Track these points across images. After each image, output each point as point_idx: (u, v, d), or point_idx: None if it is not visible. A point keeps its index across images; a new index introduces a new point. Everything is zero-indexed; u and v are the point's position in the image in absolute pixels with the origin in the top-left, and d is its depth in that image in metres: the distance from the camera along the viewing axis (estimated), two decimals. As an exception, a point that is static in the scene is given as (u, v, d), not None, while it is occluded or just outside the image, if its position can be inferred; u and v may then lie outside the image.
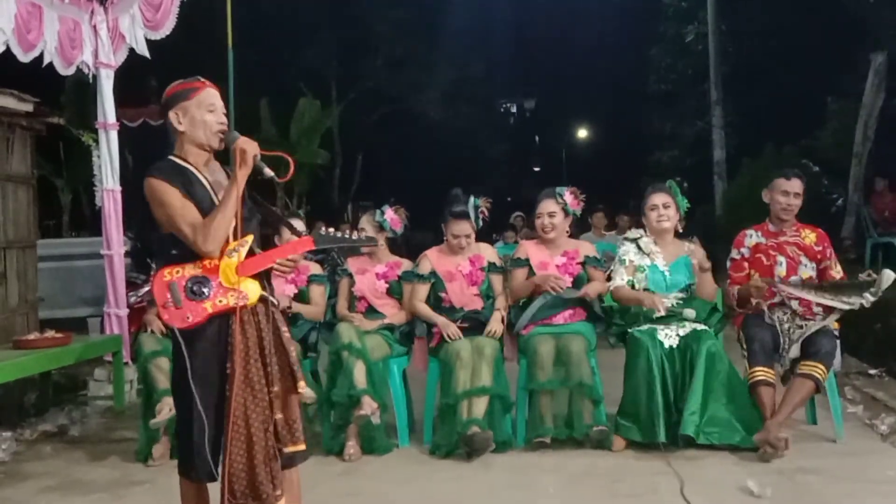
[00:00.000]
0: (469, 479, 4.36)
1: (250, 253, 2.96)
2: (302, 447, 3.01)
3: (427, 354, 5.20)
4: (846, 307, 4.65)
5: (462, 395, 4.71)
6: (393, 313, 5.22)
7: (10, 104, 6.15)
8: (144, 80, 11.82)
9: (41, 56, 5.71)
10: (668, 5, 18.50)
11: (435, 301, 5.19)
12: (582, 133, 33.68)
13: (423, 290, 5.19)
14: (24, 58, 5.51)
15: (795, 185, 4.94)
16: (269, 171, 2.96)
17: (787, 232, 4.96)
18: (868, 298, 4.58)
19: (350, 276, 5.29)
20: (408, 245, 5.60)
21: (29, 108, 6.35)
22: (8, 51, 5.31)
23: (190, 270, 2.90)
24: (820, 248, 4.93)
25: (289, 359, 2.98)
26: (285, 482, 3.02)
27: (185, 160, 3.01)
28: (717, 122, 15.92)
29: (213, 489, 3.00)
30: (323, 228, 3.04)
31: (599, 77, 26.20)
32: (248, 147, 2.91)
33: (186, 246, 2.90)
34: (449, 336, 4.94)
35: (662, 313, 4.78)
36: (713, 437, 4.52)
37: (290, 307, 5.06)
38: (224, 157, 3.07)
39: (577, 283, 5.10)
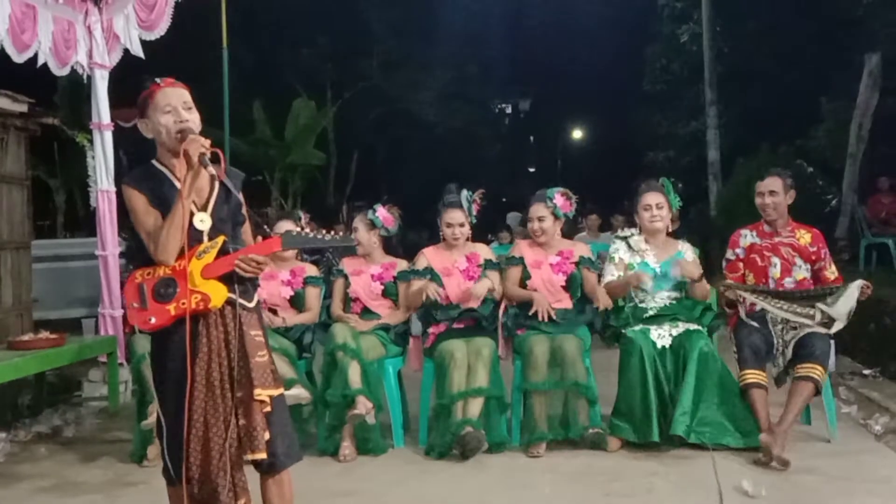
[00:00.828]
0: (464, 480, 4.36)
1: (224, 254, 2.93)
2: (262, 456, 2.89)
3: (422, 353, 5.20)
4: (802, 320, 4.58)
5: (457, 396, 4.71)
6: (388, 314, 5.22)
7: (4, 105, 6.15)
8: (139, 81, 11.78)
9: (35, 56, 5.69)
10: (663, 6, 18.51)
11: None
12: (577, 133, 33.70)
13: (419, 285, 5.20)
14: (19, 58, 5.49)
15: (769, 183, 4.92)
16: (211, 170, 2.85)
17: (781, 232, 4.95)
18: (828, 310, 4.53)
19: (345, 277, 5.29)
20: (403, 245, 5.60)
21: (23, 108, 6.35)
22: (1, 51, 5.29)
23: (160, 273, 2.90)
24: (815, 249, 4.92)
25: (249, 364, 2.91)
26: (274, 487, 3.00)
27: (162, 164, 3.01)
28: (712, 123, 15.92)
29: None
30: (295, 229, 3.02)
31: (595, 77, 26.16)
32: (192, 147, 2.84)
33: None
34: (429, 295, 4.96)
35: (648, 284, 4.80)
36: (704, 436, 4.53)
37: (284, 321, 5.08)
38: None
39: (571, 282, 5.11)
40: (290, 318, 5.16)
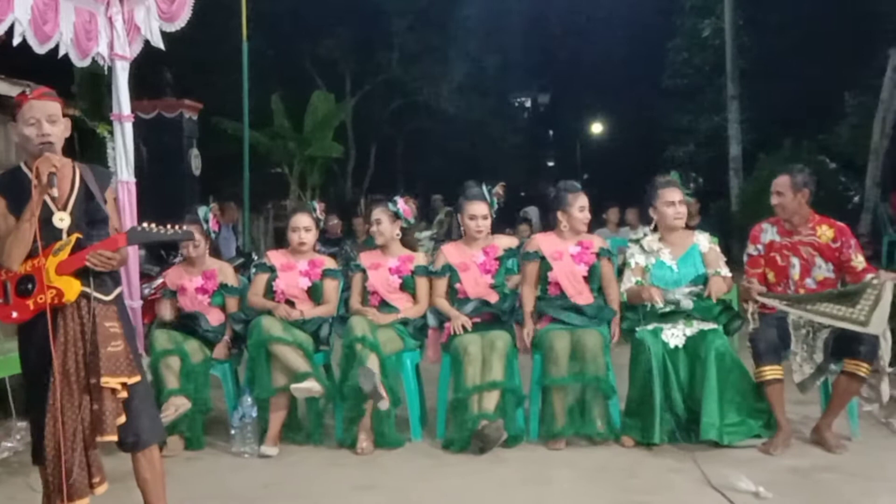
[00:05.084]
0: (481, 474, 4.36)
1: (80, 250, 3.14)
2: (112, 438, 3.14)
3: (440, 345, 5.19)
4: (841, 324, 4.44)
5: (472, 390, 4.71)
6: (406, 307, 5.21)
7: (25, 95, 6.15)
8: (159, 72, 11.84)
9: (56, 47, 5.71)
10: (685, -1, 18.41)
11: (451, 293, 5.20)
12: (597, 127, 33.47)
13: (441, 284, 5.21)
14: (41, 49, 5.50)
15: (775, 183, 4.82)
16: (54, 192, 3.10)
17: (801, 231, 4.81)
18: (865, 330, 4.41)
19: (363, 271, 5.28)
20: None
21: (44, 99, 6.35)
22: (21, 42, 5.31)
23: (22, 270, 3.12)
24: (837, 245, 4.75)
25: (99, 353, 3.11)
26: (144, 461, 3.30)
27: (28, 168, 3.18)
28: (734, 117, 15.81)
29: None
30: (141, 226, 3.21)
31: (615, 71, 26.03)
32: (43, 166, 3.06)
33: None
34: (456, 330, 4.94)
35: (660, 304, 4.74)
36: (733, 436, 4.52)
37: (302, 314, 5.08)
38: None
39: (592, 272, 5.07)
40: (308, 310, 5.16)
